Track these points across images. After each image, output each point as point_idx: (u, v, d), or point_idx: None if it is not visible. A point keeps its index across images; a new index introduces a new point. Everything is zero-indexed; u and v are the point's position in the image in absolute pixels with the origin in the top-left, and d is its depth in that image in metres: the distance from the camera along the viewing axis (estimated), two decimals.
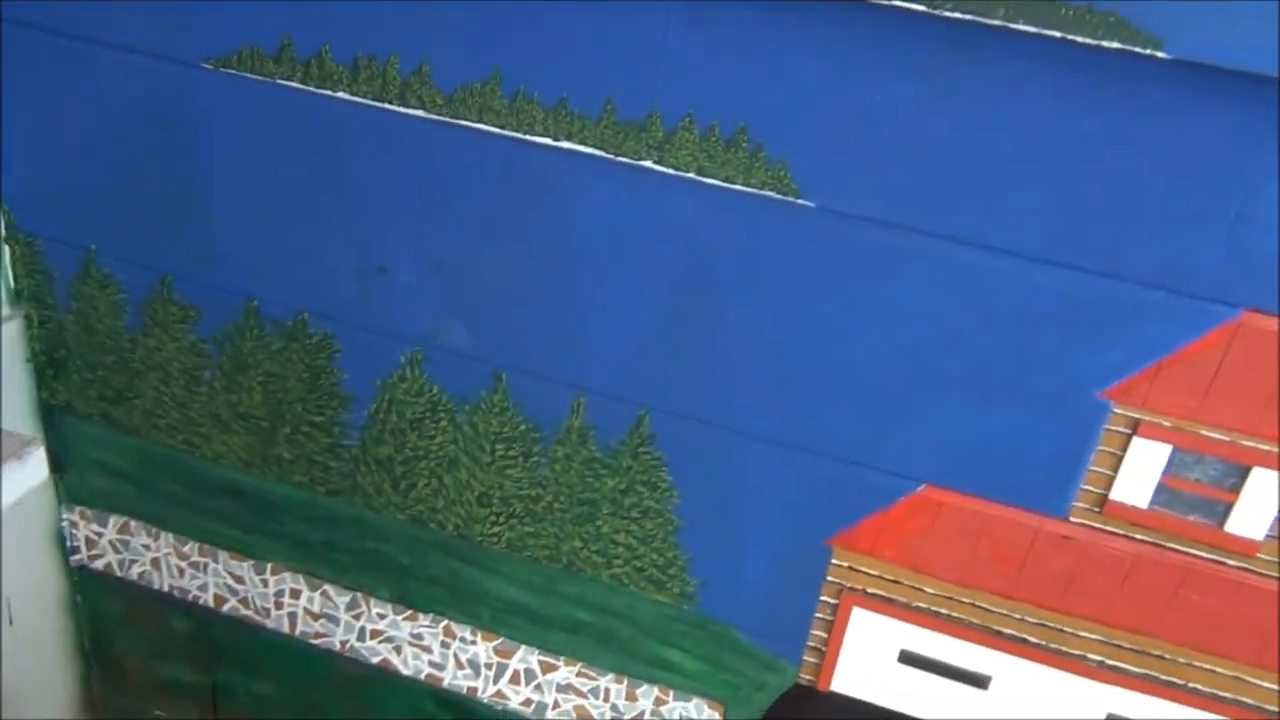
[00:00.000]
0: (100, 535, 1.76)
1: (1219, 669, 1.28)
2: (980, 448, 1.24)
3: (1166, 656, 1.29)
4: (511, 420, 1.42)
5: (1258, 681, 1.27)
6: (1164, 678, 1.31)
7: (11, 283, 1.55)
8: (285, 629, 1.73)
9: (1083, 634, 1.31)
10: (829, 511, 1.34)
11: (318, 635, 1.71)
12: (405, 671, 1.69)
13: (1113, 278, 1.10)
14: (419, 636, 1.65)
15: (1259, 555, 1.21)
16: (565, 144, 1.22)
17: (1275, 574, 1.21)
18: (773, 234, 1.19)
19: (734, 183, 1.18)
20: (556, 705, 1.63)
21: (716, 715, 1.55)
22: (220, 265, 1.44)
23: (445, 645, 1.65)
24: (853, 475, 1.30)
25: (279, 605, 1.71)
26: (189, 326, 1.50)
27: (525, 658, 1.61)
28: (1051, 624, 1.32)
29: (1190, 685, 1.30)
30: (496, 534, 1.51)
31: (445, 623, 1.62)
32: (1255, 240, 1.05)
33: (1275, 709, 1.28)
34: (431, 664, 1.67)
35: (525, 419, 1.41)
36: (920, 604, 1.36)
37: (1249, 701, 1.29)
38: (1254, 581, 1.22)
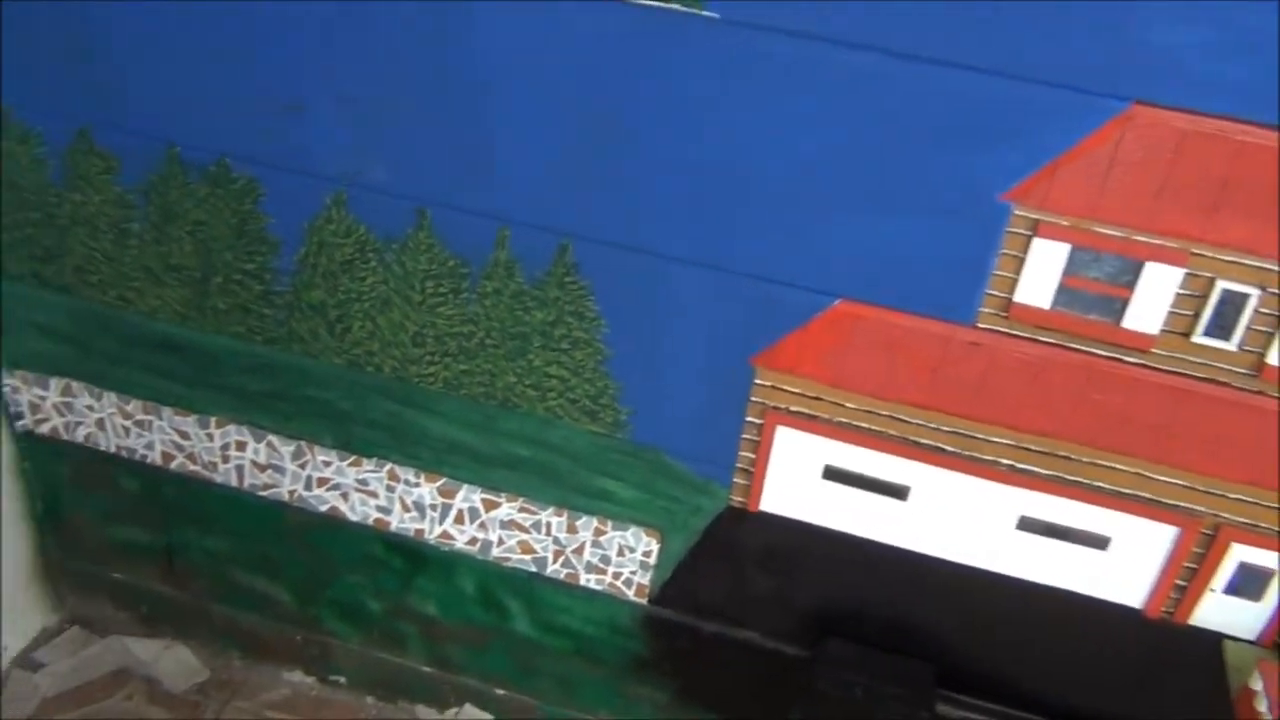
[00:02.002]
0: (43, 399, 1.78)
1: (1121, 466, 1.35)
2: (890, 258, 1.27)
3: (1072, 457, 1.36)
4: (439, 257, 1.44)
5: (1156, 476, 1.34)
6: (1070, 478, 1.37)
7: None
8: (234, 482, 1.76)
9: (994, 439, 1.37)
10: (750, 331, 1.38)
11: (266, 486, 1.75)
12: (353, 517, 1.74)
13: (1006, 77, 1.13)
14: (365, 482, 1.70)
15: (1154, 350, 1.26)
16: None
17: (1170, 369, 1.27)
18: (679, 49, 1.20)
19: None
20: (501, 542, 1.69)
21: (654, 542, 1.61)
22: (136, 110, 1.43)
23: (390, 489, 1.69)
24: (771, 293, 1.34)
25: (226, 458, 1.74)
26: (112, 177, 1.50)
27: (468, 496, 1.66)
28: (965, 431, 1.37)
29: (1095, 484, 1.37)
30: (433, 374, 1.54)
31: (389, 466, 1.66)
32: (1141, 32, 1.07)
33: (1172, 502, 1.35)
34: (378, 508, 1.72)
35: (452, 254, 1.43)
36: (841, 419, 1.41)
37: (1148, 496, 1.36)
38: (1151, 377, 1.28)
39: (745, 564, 1.59)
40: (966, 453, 1.39)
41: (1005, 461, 1.38)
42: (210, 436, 1.73)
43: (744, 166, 1.25)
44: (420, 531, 1.72)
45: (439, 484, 1.66)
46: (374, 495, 1.71)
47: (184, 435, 1.74)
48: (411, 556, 1.76)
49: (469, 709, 1.93)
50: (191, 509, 1.82)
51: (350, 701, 1.98)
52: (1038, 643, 1.52)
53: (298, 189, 1.43)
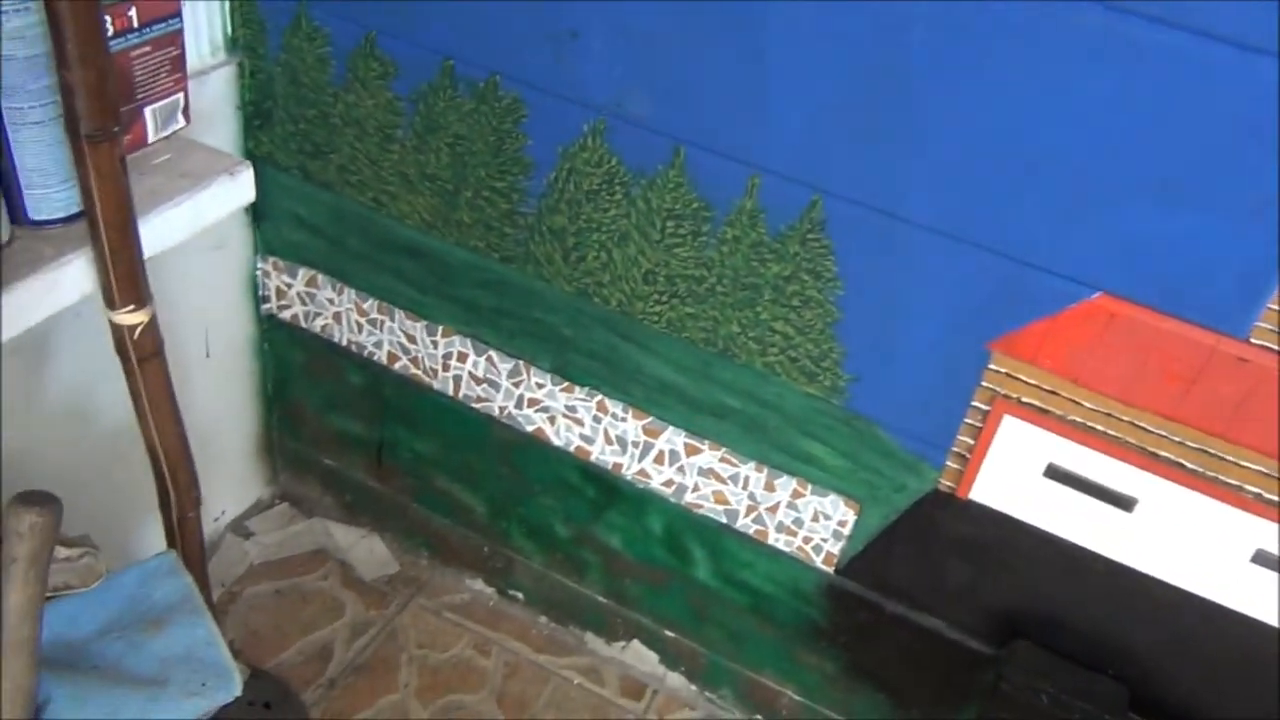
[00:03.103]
0: (290, 286, 1.89)
1: None
2: (1163, 256, 1.20)
3: None
4: (685, 197, 1.44)
5: None
6: None
7: (229, 30, 1.63)
8: (450, 390, 1.83)
9: (1244, 464, 1.28)
10: (994, 313, 1.33)
11: (479, 400, 1.82)
12: (557, 442, 1.78)
13: None
14: (573, 409, 1.73)
15: None
16: None
17: None
18: (970, 11, 1.15)
19: None
20: (696, 489, 1.70)
21: (852, 513, 1.59)
22: (422, 22, 1.48)
23: (597, 420, 1.72)
24: (1024, 277, 1.29)
25: (446, 367, 1.81)
26: (388, 82, 1.57)
27: (671, 439, 1.67)
28: (1213, 450, 1.29)
29: None
30: (658, 313, 1.56)
31: (599, 397, 1.70)
32: None
33: None
34: (582, 436, 1.76)
35: (698, 196, 1.43)
36: (1076, 418, 1.35)
37: None
38: None
39: (943, 550, 1.55)
40: (1210, 473, 1.31)
41: (1252, 489, 1.30)
42: (435, 344, 1.80)
43: (1026, 141, 1.20)
44: (619, 465, 1.75)
45: (645, 422, 1.68)
46: (580, 423, 1.75)
47: (411, 339, 1.82)
48: (606, 488, 1.79)
49: (636, 645, 1.96)
50: (406, 410, 1.91)
51: (524, 618, 2.05)
52: (1247, 684, 1.43)
53: (560, 114, 1.46)
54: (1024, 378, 1.36)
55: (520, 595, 2.05)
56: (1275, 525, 1.30)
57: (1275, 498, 1.28)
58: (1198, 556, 1.36)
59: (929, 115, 1.23)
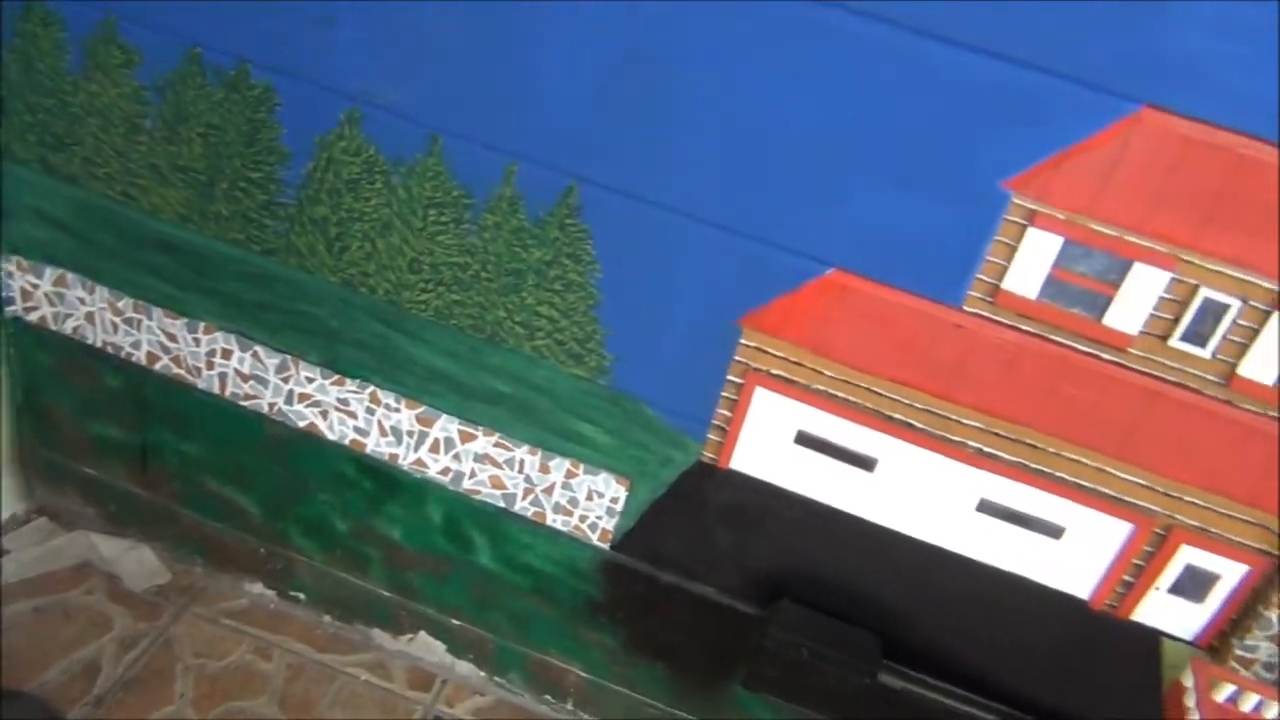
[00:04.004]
0: (36, 286, 1.78)
1: (1085, 459, 1.39)
2: (888, 233, 1.30)
3: (1039, 446, 1.40)
4: (445, 185, 1.46)
5: (1118, 473, 1.38)
6: (1034, 466, 1.41)
7: None
8: (216, 389, 1.78)
9: (965, 421, 1.41)
10: (742, 291, 1.41)
11: (247, 397, 1.77)
12: (331, 436, 1.76)
13: (1025, 66, 1.16)
14: (345, 402, 1.72)
15: (1131, 350, 1.30)
16: None
17: (1144, 369, 1.31)
18: (708, 4, 1.22)
19: None
20: (473, 475, 1.72)
21: (623, 489, 1.64)
22: (165, 8, 1.44)
23: (370, 412, 1.71)
24: (766, 255, 1.37)
25: (210, 365, 1.76)
26: (131, 71, 1.51)
27: (446, 426, 1.68)
28: (938, 410, 1.41)
29: (1057, 474, 1.41)
30: (425, 301, 1.56)
31: (371, 389, 1.69)
32: (1163, 35, 1.10)
33: (1130, 499, 1.39)
34: (356, 429, 1.74)
35: (458, 184, 1.45)
36: (819, 386, 1.45)
37: (1107, 491, 1.40)
38: (1124, 375, 1.32)
39: (708, 519, 1.63)
40: (936, 431, 1.43)
41: (973, 444, 1.42)
42: (198, 341, 1.74)
43: (761, 129, 1.28)
44: (395, 456, 1.75)
45: (419, 411, 1.69)
46: (353, 416, 1.73)
47: (171, 337, 1.75)
48: (383, 480, 1.78)
49: (423, 636, 1.96)
50: (170, 412, 1.84)
51: (307, 618, 2.01)
52: (983, 623, 1.56)
53: (314, 102, 1.45)
54: (772, 351, 1.44)
55: (302, 595, 2.01)
56: (996, 477, 1.43)
57: (995, 451, 1.41)
58: (932, 509, 1.48)
59: (674, 104, 1.29)
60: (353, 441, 1.76)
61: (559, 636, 1.85)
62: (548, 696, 1.94)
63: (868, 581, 1.59)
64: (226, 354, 1.74)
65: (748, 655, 1.66)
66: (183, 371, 1.78)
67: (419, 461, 1.74)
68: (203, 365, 1.76)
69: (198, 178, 1.57)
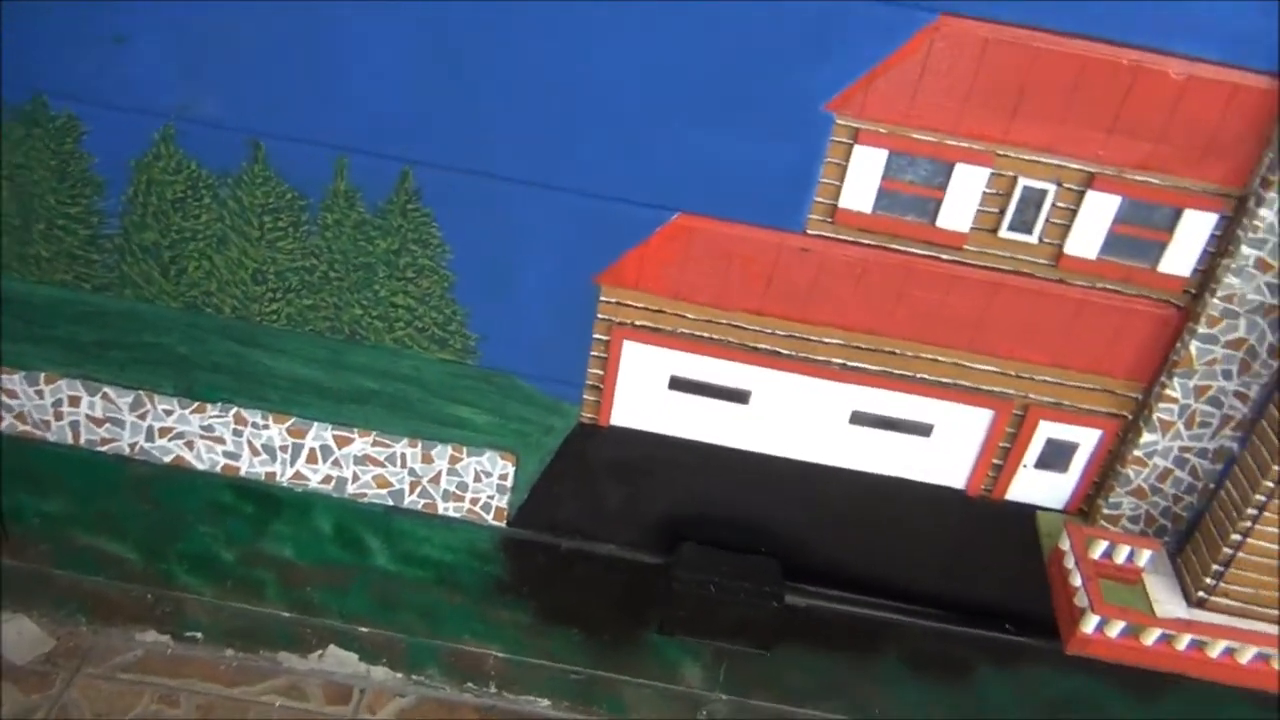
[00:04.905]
0: None
1: (940, 357, 1.46)
2: (723, 171, 1.34)
3: (897, 352, 1.46)
4: (276, 190, 1.42)
5: (972, 364, 1.46)
6: (896, 372, 1.48)
7: None
8: (69, 440, 1.71)
9: (825, 340, 1.46)
10: (593, 249, 1.42)
11: (105, 441, 1.70)
12: (200, 466, 1.71)
13: None
14: (210, 428, 1.67)
15: (966, 247, 1.37)
16: None
17: (981, 263, 1.38)
18: None
19: None
20: (356, 478, 1.69)
21: (509, 465, 1.65)
22: None
23: (238, 434, 1.67)
24: (610, 211, 1.38)
25: (59, 415, 1.68)
26: None
27: (319, 434, 1.65)
28: (798, 334, 1.46)
29: (918, 375, 1.48)
30: (275, 310, 1.53)
31: (235, 410, 1.64)
32: None
33: (986, 387, 1.47)
34: (226, 454, 1.69)
35: (290, 187, 1.42)
36: (684, 330, 1.48)
37: (965, 384, 1.48)
38: (964, 272, 1.39)
39: (598, 479, 1.65)
40: (801, 354, 1.48)
41: (837, 360, 1.48)
42: (40, 394, 1.66)
43: (576, 86, 1.29)
44: (272, 474, 1.71)
45: (288, 424, 1.65)
46: (220, 441, 1.68)
47: (11, 394, 1.67)
48: (264, 501, 1.74)
49: (333, 650, 1.93)
50: (24, 472, 1.75)
51: (209, 656, 1.96)
52: (872, 529, 1.63)
53: (123, 125, 1.39)
54: (632, 303, 1.46)
55: (199, 635, 1.95)
56: (862, 388, 1.49)
57: (858, 364, 1.47)
58: (808, 429, 1.54)
59: (488, 76, 1.30)
60: (224, 467, 1.71)
61: (470, 622, 1.85)
62: (469, 684, 1.94)
63: (759, 510, 1.64)
64: (74, 401, 1.67)
65: (658, 603, 1.69)
66: (29, 428, 1.70)
67: (298, 475, 1.70)
68: (50, 417, 1.68)
69: (10, 222, 1.49)
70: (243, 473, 1.71)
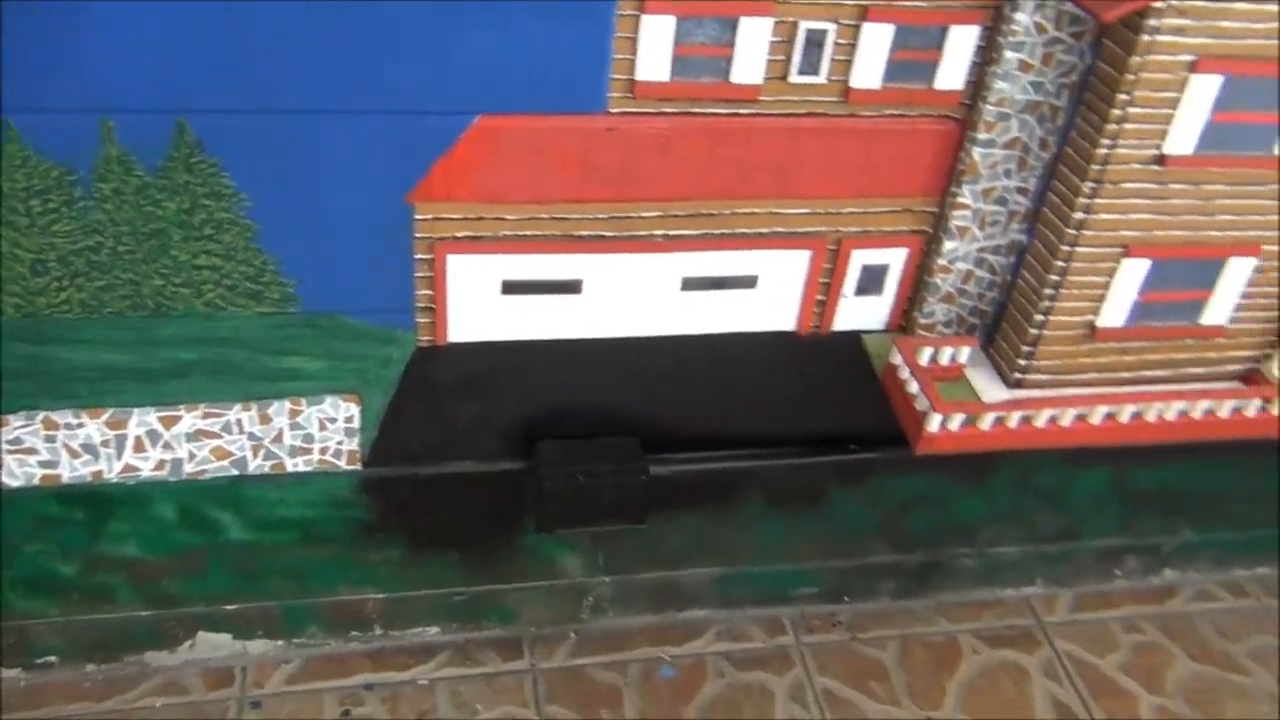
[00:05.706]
0: None
1: (754, 209, 1.52)
2: (513, 64, 1.32)
3: (713, 213, 1.51)
4: (39, 168, 1.30)
5: (783, 210, 1.53)
6: (715, 232, 1.53)
7: None
8: None
9: (644, 215, 1.49)
10: (399, 169, 1.39)
11: None
12: (14, 484, 1.58)
13: None
14: (17, 441, 1.54)
15: (761, 98, 1.42)
16: None
17: (777, 111, 1.43)
18: None
19: None
20: (192, 456, 1.61)
21: (354, 406, 1.61)
22: None
23: (50, 440, 1.55)
24: (409, 125, 1.35)
25: None
26: None
27: (142, 420, 1.56)
28: (618, 214, 1.48)
29: (736, 231, 1.53)
30: (65, 300, 1.42)
31: (42, 415, 1.52)
32: None
33: (800, 229, 1.55)
34: (42, 464, 1.57)
35: (55, 164, 1.30)
36: (506, 233, 1.47)
37: (780, 230, 1.55)
38: (763, 123, 1.44)
39: (446, 399, 1.64)
40: (624, 234, 1.50)
41: (658, 233, 1.51)
42: None
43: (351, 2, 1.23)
44: (98, 474, 1.60)
45: (105, 417, 1.55)
46: (32, 452, 1.56)
47: None
48: (95, 503, 1.63)
49: (203, 636, 1.86)
50: None
51: (70, 678, 1.85)
52: (718, 386, 1.70)
53: None
54: (449, 216, 1.44)
55: (53, 658, 1.83)
56: (688, 254, 1.53)
57: (679, 231, 1.51)
58: (643, 305, 1.58)
59: (257, 8, 1.22)
60: (43, 478, 1.59)
61: (343, 571, 1.82)
62: (354, 632, 1.92)
63: (610, 393, 1.67)
64: None
65: (530, 505, 1.71)
66: None
67: (128, 467, 1.60)
68: None
69: None
70: (65, 479, 1.59)
